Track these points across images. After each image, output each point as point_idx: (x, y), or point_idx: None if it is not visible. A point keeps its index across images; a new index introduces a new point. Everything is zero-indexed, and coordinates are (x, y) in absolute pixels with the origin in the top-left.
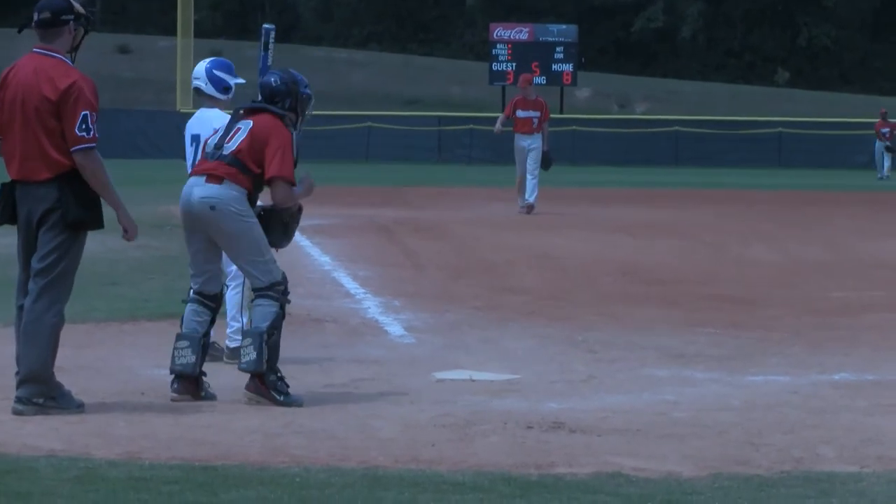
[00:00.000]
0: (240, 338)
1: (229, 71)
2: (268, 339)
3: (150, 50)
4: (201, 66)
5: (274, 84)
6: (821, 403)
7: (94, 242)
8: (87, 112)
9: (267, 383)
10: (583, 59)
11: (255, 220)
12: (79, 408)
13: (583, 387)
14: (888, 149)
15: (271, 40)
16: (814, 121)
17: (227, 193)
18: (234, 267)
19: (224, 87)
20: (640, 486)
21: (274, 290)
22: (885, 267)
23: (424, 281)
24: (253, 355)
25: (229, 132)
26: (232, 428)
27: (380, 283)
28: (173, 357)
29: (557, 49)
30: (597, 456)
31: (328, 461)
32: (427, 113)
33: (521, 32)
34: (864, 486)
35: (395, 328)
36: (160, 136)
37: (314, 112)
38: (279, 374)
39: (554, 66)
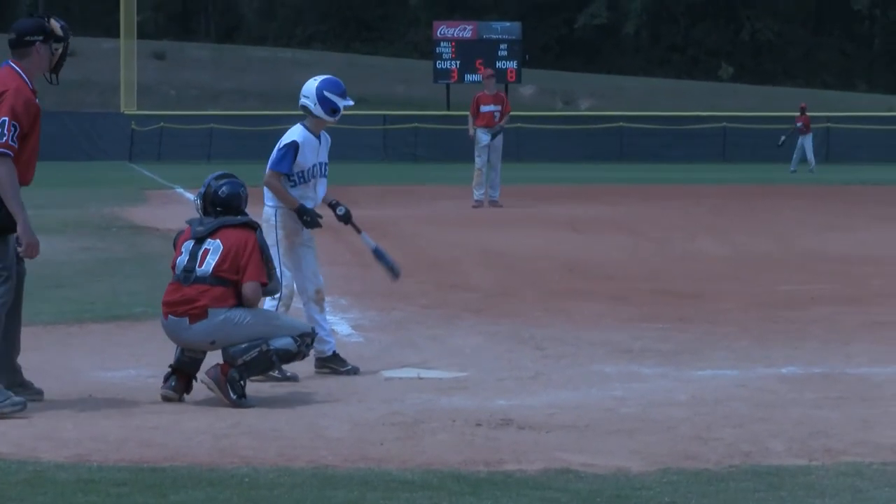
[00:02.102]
0: (316, 345)
1: (340, 93)
2: (265, 352)
3: (93, 51)
4: (312, 85)
5: (223, 195)
6: (769, 397)
7: (41, 244)
8: (7, 119)
9: (229, 377)
10: (527, 57)
11: (243, 310)
12: (16, 405)
13: (531, 383)
14: (781, 145)
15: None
16: (758, 115)
17: (214, 322)
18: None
19: (332, 109)
20: (589, 482)
21: (301, 339)
22: (830, 260)
23: (371, 279)
24: (242, 346)
25: (196, 254)
26: (180, 429)
27: (326, 282)
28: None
29: (501, 47)
30: (546, 452)
31: (277, 461)
32: (372, 112)
33: (464, 30)
34: (813, 479)
35: (342, 327)
36: (105, 137)
37: (262, 112)
38: (244, 380)
39: (498, 64)
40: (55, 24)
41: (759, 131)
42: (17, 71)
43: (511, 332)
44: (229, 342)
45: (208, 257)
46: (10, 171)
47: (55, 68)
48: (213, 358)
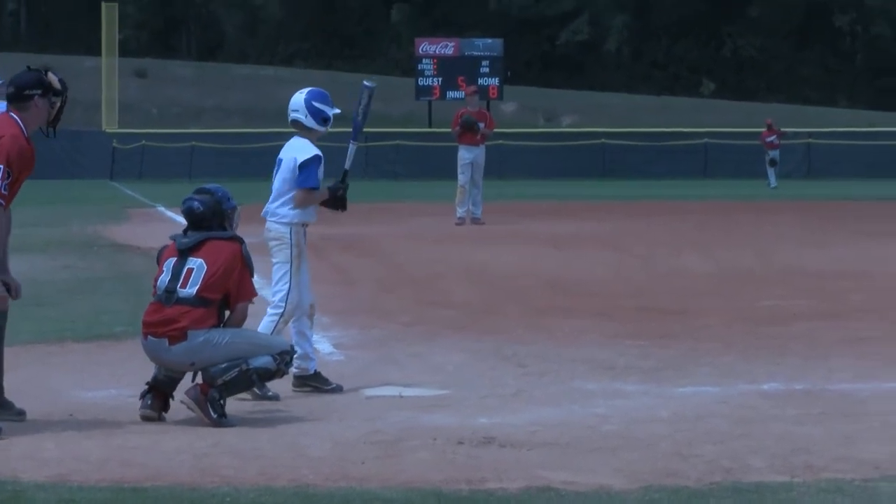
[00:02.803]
0: (299, 362)
1: (327, 101)
2: (244, 371)
3: (75, 69)
4: (299, 98)
5: (197, 210)
6: (750, 413)
7: (21, 263)
8: (2, 166)
9: (209, 397)
10: (508, 73)
11: (222, 331)
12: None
13: (513, 401)
14: (772, 162)
15: (370, 99)
16: (739, 131)
17: (194, 343)
18: (276, 296)
19: (323, 119)
20: (570, 500)
21: (280, 356)
22: (811, 275)
23: (353, 297)
24: (222, 366)
25: (179, 273)
26: (161, 449)
27: None
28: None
29: (483, 63)
30: (527, 470)
31: (258, 480)
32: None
33: (446, 47)
34: (795, 496)
35: (323, 345)
36: (86, 155)
37: (244, 129)
38: (223, 399)
39: (480, 81)
40: (53, 78)
41: (740, 147)
42: (14, 119)
43: (493, 349)
44: (209, 363)
45: (192, 277)
46: (8, 220)
47: (53, 122)
48: (191, 377)
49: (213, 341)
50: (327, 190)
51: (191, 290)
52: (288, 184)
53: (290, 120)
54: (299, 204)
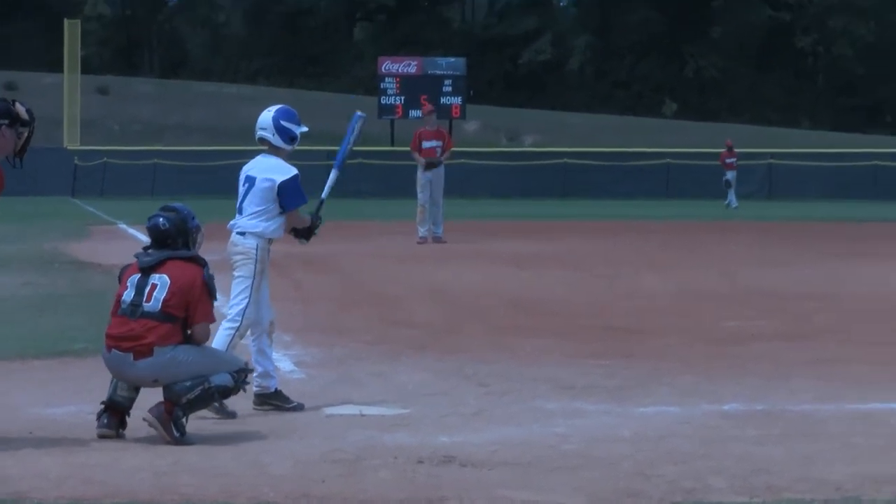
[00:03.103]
0: (260, 380)
1: (294, 120)
2: (206, 389)
3: (36, 86)
4: (267, 116)
5: (163, 227)
6: (711, 433)
7: None
8: None
9: (173, 416)
10: (471, 92)
11: (186, 348)
12: None
13: (474, 420)
14: (727, 183)
15: (357, 128)
16: (702, 151)
17: (160, 360)
18: (233, 310)
19: (290, 137)
20: None
21: (237, 374)
22: (772, 296)
23: (314, 315)
24: (186, 384)
25: (143, 289)
26: (121, 466)
27: None
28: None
29: (446, 82)
30: (488, 489)
31: (218, 498)
32: (317, 147)
33: (409, 66)
34: None
35: (284, 363)
36: (48, 172)
37: (207, 147)
38: (186, 416)
39: (443, 100)
40: (21, 109)
41: (703, 167)
42: None
43: (455, 368)
44: (172, 380)
45: (156, 292)
46: None
47: (20, 152)
48: (148, 395)
49: (179, 359)
50: (309, 218)
51: (155, 304)
52: (260, 201)
53: (257, 137)
54: (291, 223)
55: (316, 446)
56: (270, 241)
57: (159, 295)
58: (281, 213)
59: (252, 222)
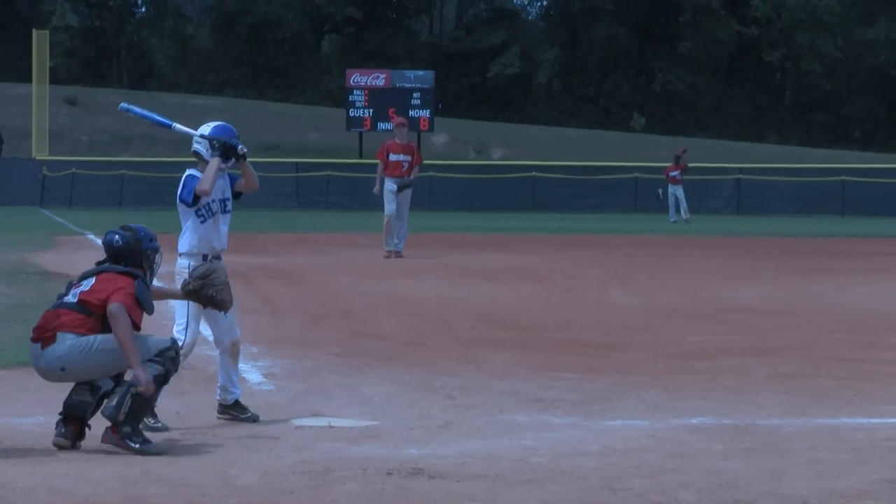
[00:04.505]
0: (221, 392)
1: (231, 136)
2: (136, 395)
3: (4, 96)
4: (204, 131)
5: (115, 244)
6: (679, 447)
7: None
8: None
9: (120, 433)
10: (440, 105)
11: (92, 337)
12: None
13: (441, 432)
14: (660, 196)
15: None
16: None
17: (62, 346)
18: (175, 330)
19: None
20: None
21: (161, 356)
22: (739, 311)
23: (282, 327)
24: (113, 402)
25: (70, 286)
26: (89, 476)
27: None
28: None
29: (414, 95)
30: (456, 502)
31: None
32: (284, 159)
33: (377, 78)
34: None
35: (253, 375)
36: (15, 183)
37: (174, 158)
38: (134, 427)
39: (411, 112)
40: None
41: None
42: None
43: (422, 381)
44: (83, 372)
45: (78, 289)
46: None
47: None
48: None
49: (82, 347)
50: (215, 155)
51: (73, 297)
52: (182, 221)
53: (192, 150)
54: (204, 182)
55: (284, 457)
56: (206, 254)
57: (79, 290)
58: (196, 217)
59: (180, 242)
